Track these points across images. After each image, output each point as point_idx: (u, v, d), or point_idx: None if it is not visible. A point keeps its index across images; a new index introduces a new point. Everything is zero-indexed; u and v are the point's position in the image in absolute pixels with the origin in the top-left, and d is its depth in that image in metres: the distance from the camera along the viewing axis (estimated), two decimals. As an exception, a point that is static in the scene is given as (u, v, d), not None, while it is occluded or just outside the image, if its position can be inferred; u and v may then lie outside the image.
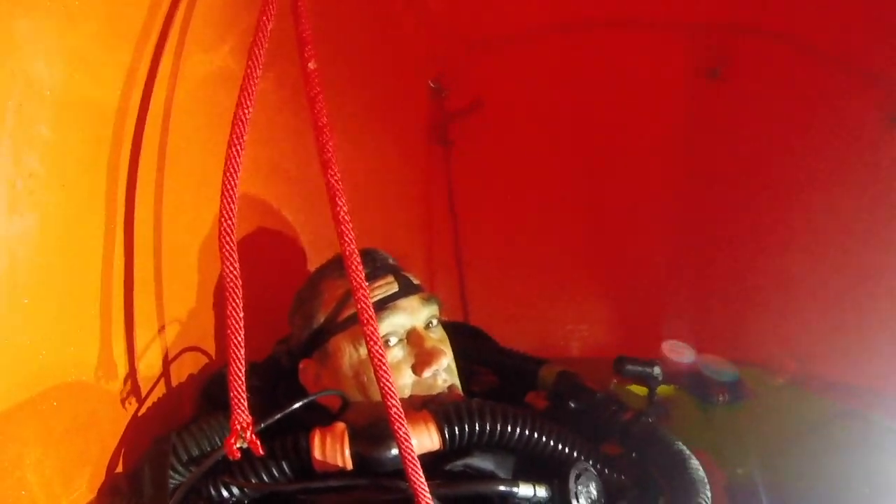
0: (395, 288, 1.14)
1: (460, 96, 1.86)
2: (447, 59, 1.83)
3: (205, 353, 1.30)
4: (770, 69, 1.58)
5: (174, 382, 1.21)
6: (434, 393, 1.11)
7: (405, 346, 1.12)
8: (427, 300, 1.17)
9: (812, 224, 1.54)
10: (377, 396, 1.03)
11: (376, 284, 1.13)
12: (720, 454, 1.31)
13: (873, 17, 1.35)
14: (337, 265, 1.18)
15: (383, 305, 1.11)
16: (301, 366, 1.18)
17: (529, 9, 1.81)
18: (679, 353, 1.49)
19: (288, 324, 1.26)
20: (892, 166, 1.39)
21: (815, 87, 1.50)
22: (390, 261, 1.23)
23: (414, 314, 1.14)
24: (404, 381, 1.10)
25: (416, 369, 1.10)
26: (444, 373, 1.13)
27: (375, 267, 1.17)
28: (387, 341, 1.10)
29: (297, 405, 0.98)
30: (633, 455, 1.13)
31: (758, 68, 1.60)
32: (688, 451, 1.08)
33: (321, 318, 1.15)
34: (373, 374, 0.95)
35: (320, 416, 1.08)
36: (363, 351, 1.09)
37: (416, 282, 1.20)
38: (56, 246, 0.91)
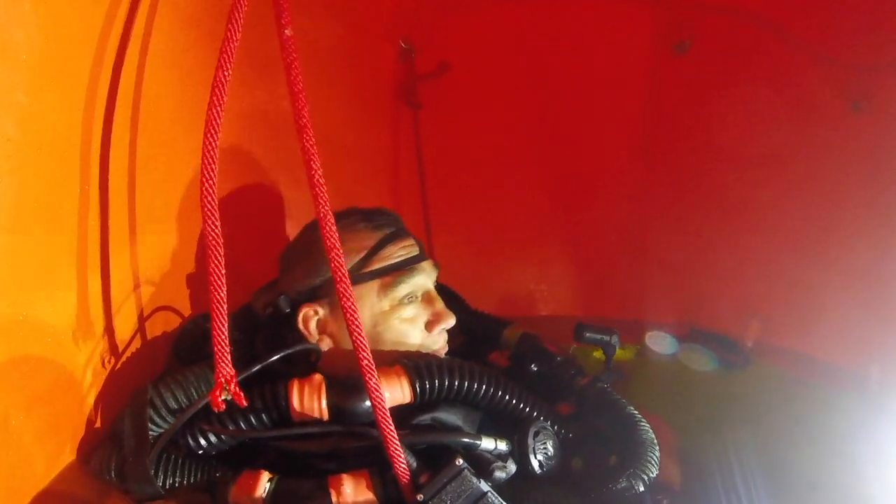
0: (416, 250, 1.19)
1: (428, 59, 1.85)
2: (415, 22, 1.82)
3: (177, 310, 1.32)
4: (733, 47, 1.59)
5: (149, 340, 1.23)
6: (437, 349, 1.18)
7: (419, 305, 1.17)
8: (435, 265, 1.23)
9: (771, 201, 1.58)
10: (389, 348, 1.13)
11: (402, 244, 1.18)
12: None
13: (837, 3, 1.39)
14: (358, 217, 1.20)
15: (411, 266, 1.16)
16: (304, 309, 1.16)
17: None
18: (661, 343, 1.56)
19: (281, 269, 1.25)
20: (852, 149, 1.44)
21: (778, 69, 1.52)
22: (402, 223, 1.25)
23: (429, 277, 1.20)
24: (415, 338, 1.16)
25: (429, 326, 1.17)
26: (444, 332, 1.20)
27: (399, 228, 1.21)
28: (410, 300, 1.15)
29: (274, 357, 1.01)
30: (588, 416, 1.20)
31: (721, 46, 1.61)
32: (639, 415, 1.15)
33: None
34: (391, 324, 1.12)
35: (296, 367, 1.10)
36: (386, 303, 1.13)
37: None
38: (34, 208, 0.92)
